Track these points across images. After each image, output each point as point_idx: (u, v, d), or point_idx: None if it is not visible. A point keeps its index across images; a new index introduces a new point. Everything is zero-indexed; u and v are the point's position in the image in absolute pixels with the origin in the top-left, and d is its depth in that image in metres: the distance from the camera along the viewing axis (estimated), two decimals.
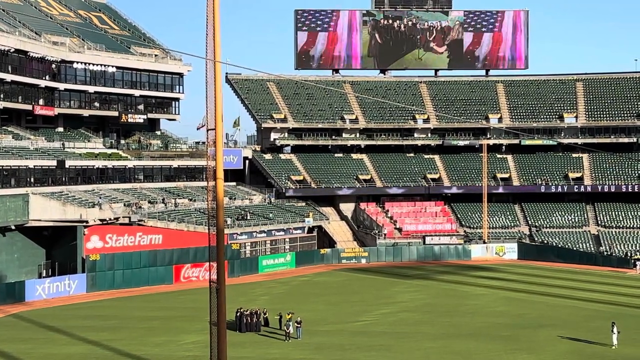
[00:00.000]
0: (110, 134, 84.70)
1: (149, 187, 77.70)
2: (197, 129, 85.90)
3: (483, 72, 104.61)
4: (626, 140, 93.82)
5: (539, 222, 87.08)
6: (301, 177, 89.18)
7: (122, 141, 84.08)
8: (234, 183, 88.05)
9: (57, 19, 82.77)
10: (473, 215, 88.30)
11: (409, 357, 38.92)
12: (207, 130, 25.96)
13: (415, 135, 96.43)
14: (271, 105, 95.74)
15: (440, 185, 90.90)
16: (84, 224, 62.00)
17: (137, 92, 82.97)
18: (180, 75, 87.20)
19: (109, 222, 64.22)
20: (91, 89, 78.90)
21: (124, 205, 68.34)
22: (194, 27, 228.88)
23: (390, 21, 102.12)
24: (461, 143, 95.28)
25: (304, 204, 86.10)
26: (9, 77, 68.82)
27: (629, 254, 77.50)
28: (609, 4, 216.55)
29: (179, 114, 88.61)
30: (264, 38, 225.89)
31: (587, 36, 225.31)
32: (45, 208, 62.54)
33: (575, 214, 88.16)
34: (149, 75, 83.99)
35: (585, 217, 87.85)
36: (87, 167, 72.32)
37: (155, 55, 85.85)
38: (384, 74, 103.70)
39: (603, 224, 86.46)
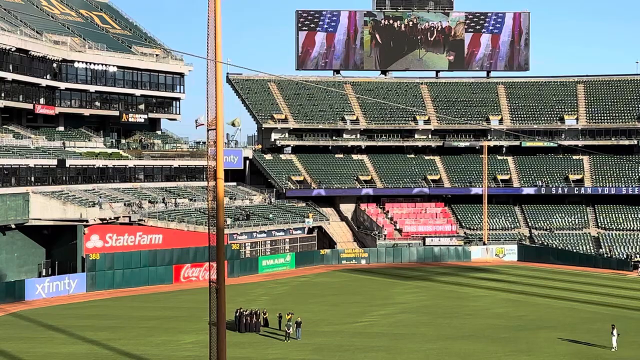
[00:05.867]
0: (110, 134, 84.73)
1: (149, 186, 77.71)
2: (196, 127, 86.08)
3: (484, 73, 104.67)
4: (627, 142, 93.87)
5: (539, 224, 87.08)
6: (301, 178, 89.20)
7: (123, 141, 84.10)
8: (234, 183, 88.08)
9: (59, 18, 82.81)
10: (473, 216, 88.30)
11: (408, 358, 38.91)
12: (208, 130, 25.96)
13: (416, 136, 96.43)
14: (272, 106, 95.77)
15: (440, 186, 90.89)
16: (84, 223, 62.00)
17: (138, 92, 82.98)
18: (181, 75, 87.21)
19: (109, 221, 64.23)
20: (92, 88, 78.92)
21: (124, 204, 68.37)
22: (195, 27, 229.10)
23: (391, 21, 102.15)
24: (462, 144, 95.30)
25: (304, 204, 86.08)
26: (10, 76, 68.85)
27: (629, 257, 77.44)
28: (610, 5, 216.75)
29: (179, 113, 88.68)
30: (265, 38, 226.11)
31: (588, 38, 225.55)
32: (45, 207, 62.56)
33: (576, 216, 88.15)
34: (150, 75, 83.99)
35: (586, 219, 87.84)
36: (88, 167, 72.35)
37: (157, 55, 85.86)
38: (385, 75, 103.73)
39: (603, 226, 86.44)
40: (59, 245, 63.94)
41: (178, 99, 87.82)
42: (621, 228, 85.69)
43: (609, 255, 79.13)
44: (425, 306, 54.58)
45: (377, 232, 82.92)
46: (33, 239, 63.36)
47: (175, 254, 65.76)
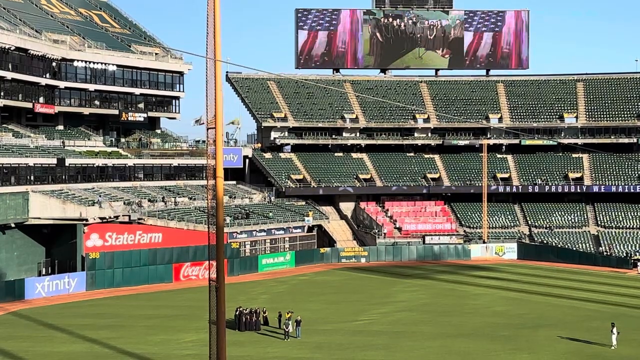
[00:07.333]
0: (110, 132, 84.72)
1: (149, 185, 77.71)
2: (200, 124, 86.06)
3: (483, 71, 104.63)
4: (626, 140, 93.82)
5: (539, 222, 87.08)
6: (301, 176, 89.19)
7: (122, 139, 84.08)
8: (234, 182, 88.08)
9: (58, 17, 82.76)
10: (473, 215, 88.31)
11: (407, 357, 38.93)
12: (207, 129, 25.96)
13: (416, 134, 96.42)
14: (271, 104, 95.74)
15: (440, 184, 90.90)
16: (84, 222, 61.99)
17: (137, 91, 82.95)
18: (181, 73, 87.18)
19: (108, 220, 64.22)
20: (91, 87, 78.91)
21: (124, 203, 68.37)
22: (194, 26, 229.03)
23: (391, 20, 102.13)
24: (461, 143, 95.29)
25: (303, 203, 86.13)
26: (9, 75, 68.81)
27: (629, 255, 77.45)
28: (609, 4, 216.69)
29: (179, 112, 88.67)
30: (265, 37, 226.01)
31: (587, 36, 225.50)
32: (45, 206, 62.53)
33: (575, 214, 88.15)
34: (150, 73, 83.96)
35: (585, 217, 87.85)
36: (87, 166, 72.35)
37: (156, 54, 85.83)
38: (385, 74, 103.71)
39: (603, 224, 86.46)
40: (58, 244, 63.90)
41: (177, 98, 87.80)
42: (621, 226, 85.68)
43: (608, 253, 79.15)
44: (425, 304, 54.60)
45: (376, 231, 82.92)
46: (33, 238, 63.31)
47: (175, 252, 65.78)
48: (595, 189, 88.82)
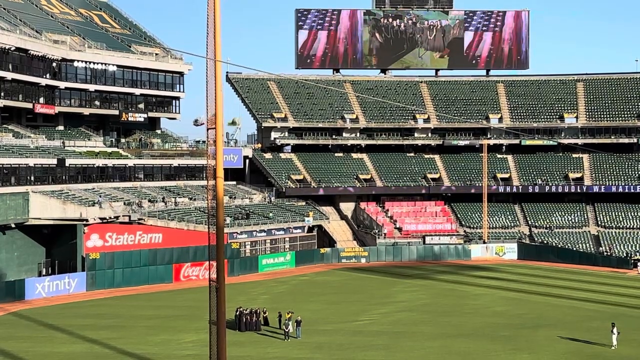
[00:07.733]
0: (110, 133, 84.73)
1: (149, 185, 77.70)
2: (197, 124, 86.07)
3: (483, 72, 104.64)
4: (626, 140, 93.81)
5: (539, 222, 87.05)
6: (301, 177, 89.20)
7: (123, 140, 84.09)
8: (234, 182, 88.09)
9: (58, 18, 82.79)
10: (473, 215, 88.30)
11: (407, 357, 38.94)
12: (207, 129, 25.98)
13: (416, 135, 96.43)
14: (272, 105, 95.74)
15: (440, 185, 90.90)
16: (84, 222, 61.99)
17: (137, 91, 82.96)
18: (181, 74, 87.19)
19: (109, 220, 64.23)
20: (92, 87, 78.93)
21: (124, 204, 68.36)
22: (194, 26, 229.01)
23: (391, 20, 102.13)
24: (461, 143, 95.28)
25: (304, 203, 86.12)
26: (9, 75, 68.82)
27: (629, 255, 77.44)
28: (609, 4, 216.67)
29: (179, 112, 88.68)
30: (265, 37, 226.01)
31: (587, 36, 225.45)
32: (45, 206, 62.54)
33: (575, 215, 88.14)
34: (150, 74, 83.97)
35: (585, 217, 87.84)
36: (88, 166, 72.35)
37: (156, 54, 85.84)
38: (385, 74, 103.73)
39: (603, 224, 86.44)
40: (59, 245, 63.93)
41: (178, 98, 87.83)
42: (621, 226, 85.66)
43: (608, 253, 79.14)
44: (425, 305, 54.60)
45: (377, 231, 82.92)
46: (33, 238, 63.34)
47: (175, 253, 65.78)
48: (595, 189, 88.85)
